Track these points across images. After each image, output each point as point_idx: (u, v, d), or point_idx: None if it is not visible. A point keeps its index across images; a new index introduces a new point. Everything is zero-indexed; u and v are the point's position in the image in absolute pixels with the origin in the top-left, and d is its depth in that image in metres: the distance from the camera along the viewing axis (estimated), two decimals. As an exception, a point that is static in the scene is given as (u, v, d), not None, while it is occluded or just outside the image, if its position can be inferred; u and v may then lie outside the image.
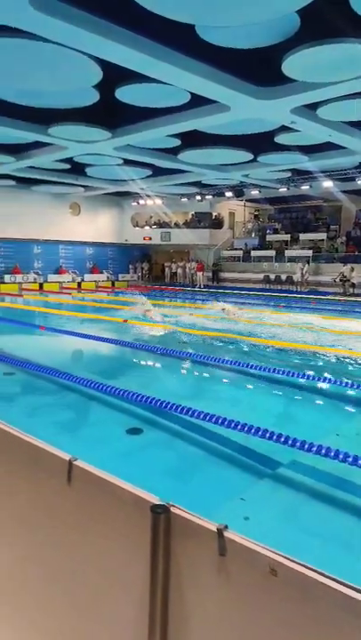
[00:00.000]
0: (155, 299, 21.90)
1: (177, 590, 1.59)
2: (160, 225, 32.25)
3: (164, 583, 1.60)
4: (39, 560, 2.22)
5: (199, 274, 29.71)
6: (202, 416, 5.42)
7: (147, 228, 32.61)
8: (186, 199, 28.08)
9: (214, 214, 32.08)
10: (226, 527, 1.46)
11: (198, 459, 4.99)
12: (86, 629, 1.97)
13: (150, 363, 9.54)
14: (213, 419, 5.30)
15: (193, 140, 15.12)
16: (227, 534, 1.45)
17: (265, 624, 1.39)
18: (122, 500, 1.76)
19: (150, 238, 32.04)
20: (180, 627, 1.59)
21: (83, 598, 2.00)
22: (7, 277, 26.10)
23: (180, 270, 31.66)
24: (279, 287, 26.92)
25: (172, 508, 1.60)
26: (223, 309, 15.48)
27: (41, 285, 27.06)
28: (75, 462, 1.98)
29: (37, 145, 16.58)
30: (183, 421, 5.67)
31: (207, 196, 26.90)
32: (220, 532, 1.45)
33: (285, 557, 1.33)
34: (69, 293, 25.12)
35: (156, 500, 1.65)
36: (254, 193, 25.24)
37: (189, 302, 20.91)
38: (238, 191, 24.78)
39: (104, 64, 9.11)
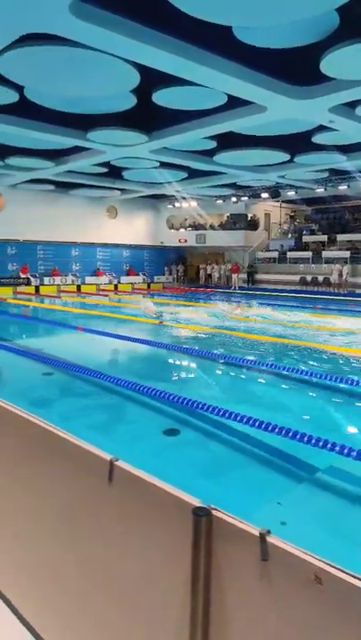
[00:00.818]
0: (189, 300, 21.96)
1: (218, 594, 1.58)
2: (195, 227, 32.30)
3: (206, 586, 1.60)
4: (78, 558, 2.25)
5: (234, 276, 29.57)
6: (238, 418, 5.39)
7: (182, 230, 32.73)
8: (221, 201, 28.01)
9: (250, 216, 31.86)
10: (269, 532, 1.44)
11: (234, 461, 4.97)
12: (126, 630, 1.98)
13: (185, 363, 9.56)
14: (250, 421, 5.26)
15: (229, 141, 15.07)
16: (269, 539, 1.43)
17: (308, 633, 1.37)
18: (163, 501, 1.76)
19: (186, 240, 32.13)
20: (222, 630, 1.58)
21: (122, 598, 2.01)
22: (46, 280, 26.71)
23: (215, 272, 31.62)
24: (316, 289, 26.48)
25: (213, 511, 1.59)
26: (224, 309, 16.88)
27: (79, 287, 27.56)
28: (116, 462, 2.00)
29: (76, 150, 16.92)
30: (218, 423, 5.65)
31: (243, 198, 26.74)
32: (262, 537, 1.44)
33: (331, 565, 1.30)
34: (106, 295, 25.48)
35: (197, 503, 1.65)
36: (291, 194, 24.93)
37: (219, 303, 20.83)
38: (274, 192, 24.52)
39: (141, 68, 9.21)
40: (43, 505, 2.50)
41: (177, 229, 32.93)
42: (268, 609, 1.45)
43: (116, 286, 29.26)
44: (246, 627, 1.51)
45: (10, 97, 11.19)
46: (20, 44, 8.27)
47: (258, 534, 1.45)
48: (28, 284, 25.75)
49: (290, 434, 4.83)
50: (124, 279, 30.25)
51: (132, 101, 11.40)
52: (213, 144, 15.48)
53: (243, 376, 8.56)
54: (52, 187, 24.37)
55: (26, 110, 12.34)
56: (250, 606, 1.49)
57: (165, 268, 33.29)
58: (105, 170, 20.03)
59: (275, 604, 1.43)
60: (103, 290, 27.93)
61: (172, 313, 15.83)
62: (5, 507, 2.84)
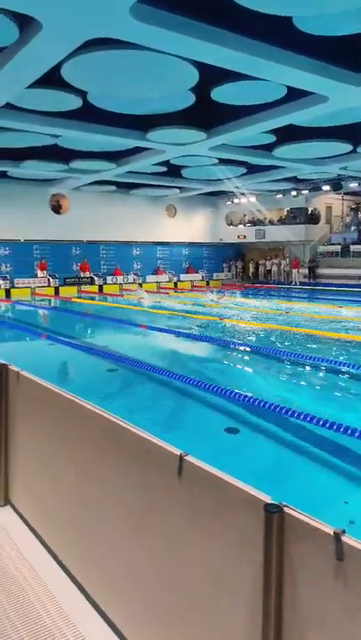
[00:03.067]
0: (247, 297, 21.78)
1: (291, 592, 1.58)
2: (254, 223, 31.89)
3: (278, 585, 1.59)
4: (148, 554, 2.29)
5: (294, 271, 28.93)
6: (301, 416, 5.31)
7: (241, 226, 32.43)
8: (281, 195, 27.47)
9: (310, 209, 31.00)
10: (344, 531, 1.43)
11: (298, 459, 4.90)
12: (196, 626, 2.00)
13: (247, 360, 9.50)
14: (314, 420, 5.16)
15: (288, 134, 14.76)
16: (344, 539, 1.41)
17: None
18: (233, 497, 1.77)
19: (244, 236, 31.82)
20: (295, 630, 1.57)
21: (190, 594, 2.03)
22: (109, 279, 27.41)
23: (274, 267, 31.08)
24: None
25: (285, 508, 1.59)
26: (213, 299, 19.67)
27: (140, 286, 28.05)
28: (185, 457, 2.03)
29: (136, 150, 17.22)
30: (281, 420, 5.59)
31: (303, 191, 26.10)
32: (337, 536, 1.42)
33: None
34: (167, 293, 25.77)
35: (268, 499, 1.65)
36: (353, 185, 24.04)
37: (284, 300, 20.48)
38: (336, 184, 23.74)
39: (200, 66, 9.22)
40: (112, 499, 2.57)
41: (236, 226, 32.68)
42: (345, 610, 1.43)
43: (175, 284, 29.51)
44: (321, 628, 1.50)
45: (74, 103, 11.57)
46: (83, 51, 8.53)
47: (332, 533, 1.43)
48: (92, 283, 26.53)
49: (356, 433, 4.70)
50: (183, 277, 30.46)
51: (190, 99, 11.45)
52: (273, 138, 15.22)
53: (305, 373, 8.39)
54: (113, 187, 24.96)
55: (88, 114, 12.71)
56: (325, 607, 1.48)
57: (224, 265, 33.15)
58: (164, 169, 20.25)
59: (353, 606, 1.40)
60: (163, 288, 28.26)
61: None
62: (75, 500, 2.96)
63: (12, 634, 2.45)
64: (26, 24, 7.71)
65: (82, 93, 11.11)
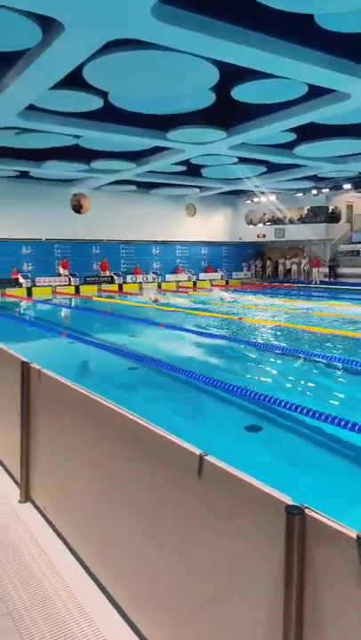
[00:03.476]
0: (267, 296, 21.65)
1: (312, 596, 1.56)
2: (274, 221, 31.67)
3: (299, 588, 1.58)
4: (164, 552, 2.30)
5: (314, 270, 28.65)
6: (322, 417, 5.26)
7: (260, 225, 32.25)
8: (301, 194, 27.23)
9: (331, 208, 30.65)
10: (367, 535, 1.41)
11: (318, 460, 4.85)
12: (210, 626, 2.00)
13: (266, 359, 9.45)
14: (335, 421, 5.11)
15: (309, 132, 14.62)
16: (367, 543, 1.40)
17: None
18: (253, 497, 1.76)
19: (264, 235, 31.64)
20: (316, 634, 1.56)
21: (209, 593, 2.02)
22: (129, 278, 27.56)
23: (294, 267, 30.82)
24: None
25: (306, 510, 1.58)
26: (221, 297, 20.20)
27: (159, 285, 28.13)
28: (205, 457, 2.03)
29: (156, 150, 17.27)
30: (301, 421, 5.54)
31: (323, 190, 25.81)
32: (359, 540, 1.40)
33: None
34: (186, 292, 25.79)
35: (289, 501, 1.64)
36: (376, 183, 23.68)
37: (304, 299, 20.31)
38: (357, 182, 23.43)
39: (220, 65, 9.20)
40: (129, 496, 2.59)
41: (255, 225, 32.51)
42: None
43: (194, 283, 29.50)
44: (343, 633, 1.48)
45: (95, 103, 11.66)
46: (104, 52, 8.59)
47: (355, 537, 1.41)
48: (112, 282, 26.70)
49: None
50: (202, 276, 30.43)
51: (210, 98, 11.43)
52: (293, 136, 15.10)
53: (326, 373, 8.31)
54: (133, 187, 25.08)
55: (109, 115, 12.80)
56: (347, 611, 1.46)
57: (243, 264, 33.02)
58: (184, 168, 20.26)
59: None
60: (182, 287, 28.28)
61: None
62: (91, 497, 2.98)
63: (31, 626, 2.50)
64: (48, 26, 7.80)
65: (103, 94, 11.20)
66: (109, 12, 7.06)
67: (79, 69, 9.44)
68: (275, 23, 7.91)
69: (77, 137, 15.02)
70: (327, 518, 1.53)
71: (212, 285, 28.07)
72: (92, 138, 14.96)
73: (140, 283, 27.53)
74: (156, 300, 19.12)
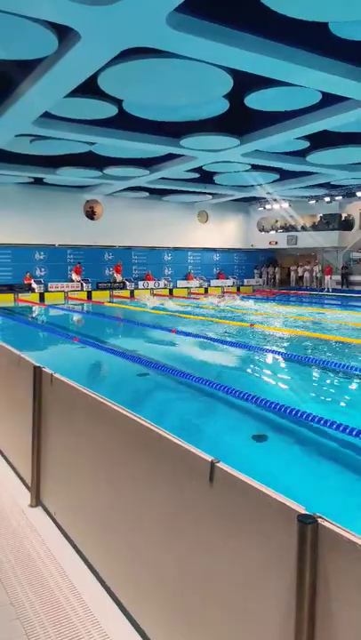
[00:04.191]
0: (280, 303, 21.58)
1: (325, 606, 1.54)
2: (286, 229, 31.62)
3: (311, 597, 1.56)
4: (176, 558, 2.29)
5: (327, 277, 28.51)
6: (334, 426, 5.20)
7: (272, 232, 32.21)
8: (314, 201, 27.17)
9: (344, 215, 30.52)
10: (380, 546, 1.39)
11: (329, 469, 4.80)
12: (222, 633, 1.98)
13: (277, 367, 9.40)
14: (347, 430, 5.05)
15: (322, 140, 14.61)
16: (381, 554, 1.38)
17: None
18: (265, 505, 1.75)
19: (276, 242, 31.58)
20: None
21: (219, 600, 2.01)
22: (140, 284, 27.67)
23: (306, 274, 30.70)
24: None
25: (319, 520, 1.56)
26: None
27: (170, 291, 28.19)
28: (217, 464, 2.02)
29: (169, 157, 17.36)
30: (311, 429, 5.49)
31: (336, 197, 25.74)
32: (374, 551, 1.38)
33: None
34: (197, 298, 25.80)
35: (301, 510, 1.62)
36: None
37: (317, 306, 20.20)
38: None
39: (235, 73, 9.24)
40: (140, 502, 2.58)
41: (267, 231, 32.47)
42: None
43: (206, 289, 29.50)
44: (355, 643, 1.46)
45: (110, 111, 11.77)
46: (119, 60, 8.68)
47: (368, 547, 1.40)
48: (124, 287, 26.82)
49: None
50: (214, 282, 30.43)
51: (224, 106, 11.48)
52: (306, 144, 15.09)
53: (336, 381, 8.24)
54: (146, 194, 25.22)
55: (123, 122, 12.91)
56: (360, 623, 1.44)
57: (255, 271, 32.96)
58: (197, 175, 20.33)
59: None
60: (194, 293, 28.29)
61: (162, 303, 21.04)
62: (102, 503, 2.98)
63: (40, 631, 2.50)
64: (65, 35, 7.91)
65: (117, 101, 11.30)
66: (125, 21, 7.14)
67: (94, 77, 9.54)
68: (289, 31, 7.93)
69: (91, 144, 15.17)
70: (341, 528, 1.52)
71: (224, 292, 28.60)
72: (105, 145, 15.09)
73: (151, 289, 27.62)
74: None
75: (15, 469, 4.43)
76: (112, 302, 23.28)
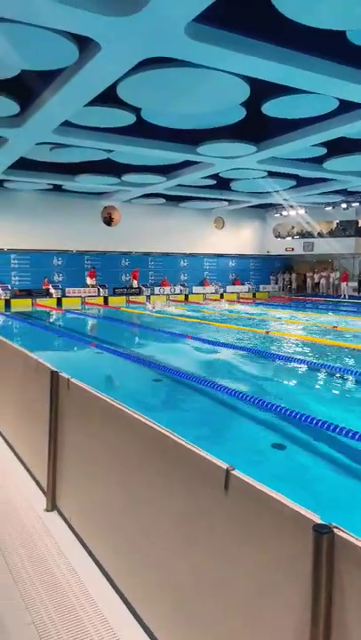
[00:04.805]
0: (295, 309, 21.44)
1: (341, 617, 1.54)
2: (302, 235, 31.47)
3: (327, 608, 1.55)
4: (191, 565, 2.29)
5: (343, 284, 28.28)
6: (349, 434, 5.15)
7: (289, 238, 32.08)
8: (330, 208, 27.03)
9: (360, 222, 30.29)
10: None
11: (346, 480, 4.76)
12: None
13: (294, 374, 9.34)
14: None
15: (339, 146, 14.55)
16: None
17: None
18: (281, 514, 1.75)
19: (292, 249, 31.44)
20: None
21: (233, 608, 2.01)
22: (157, 289, 27.78)
23: (322, 280, 30.49)
24: None
25: (335, 530, 1.56)
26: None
27: (186, 297, 28.24)
28: (232, 472, 2.02)
29: (186, 164, 17.46)
30: (329, 438, 5.45)
31: (353, 204, 25.59)
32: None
33: None
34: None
35: (317, 519, 1.62)
36: None
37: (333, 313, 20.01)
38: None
39: (251, 81, 9.28)
40: (155, 509, 2.59)
41: (284, 238, 32.35)
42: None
43: (221, 295, 29.47)
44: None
45: (128, 119, 11.90)
46: (138, 69, 8.79)
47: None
48: (140, 293, 26.95)
49: None
50: (229, 288, 30.39)
51: (241, 114, 11.52)
52: (323, 151, 15.05)
53: (354, 389, 8.15)
54: (163, 200, 25.36)
55: (141, 130, 13.03)
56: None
57: (271, 277, 32.84)
58: (213, 182, 20.38)
59: None
60: (209, 299, 28.29)
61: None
62: (117, 508, 2.99)
63: (55, 636, 2.52)
64: (85, 46, 8.04)
65: (136, 110, 11.42)
66: (144, 32, 7.23)
67: (113, 86, 9.67)
68: (306, 39, 7.94)
69: (109, 151, 15.34)
70: (357, 539, 1.51)
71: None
72: (123, 152, 15.24)
73: (167, 294, 27.70)
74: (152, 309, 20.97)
75: (31, 473, 4.47)
76: (128, 308, 23.39)
